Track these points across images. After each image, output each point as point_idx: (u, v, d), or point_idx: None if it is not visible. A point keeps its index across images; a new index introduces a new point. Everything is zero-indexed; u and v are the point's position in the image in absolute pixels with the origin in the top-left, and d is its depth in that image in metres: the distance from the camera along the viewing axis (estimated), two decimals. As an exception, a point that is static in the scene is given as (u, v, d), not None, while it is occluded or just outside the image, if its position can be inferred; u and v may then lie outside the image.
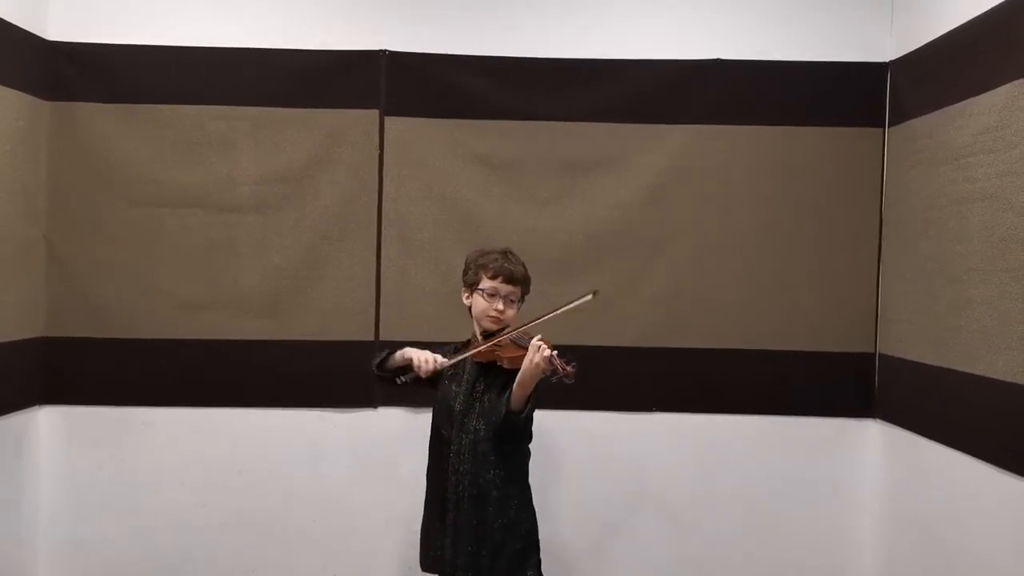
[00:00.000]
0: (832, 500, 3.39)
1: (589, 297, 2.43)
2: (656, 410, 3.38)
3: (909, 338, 3.11)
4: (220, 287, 3.31)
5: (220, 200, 3.30)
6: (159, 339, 3.30)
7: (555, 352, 2.32)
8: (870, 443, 3.36)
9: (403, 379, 2.55)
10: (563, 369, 2.31)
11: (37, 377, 3.26)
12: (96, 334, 3.29)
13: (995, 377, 2.58)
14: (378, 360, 2.65)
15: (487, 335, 2.54)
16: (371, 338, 3.32)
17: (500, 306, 2.52)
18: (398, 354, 2.58)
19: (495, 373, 2.50)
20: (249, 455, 3.36)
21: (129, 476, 3.34)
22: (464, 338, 2.66)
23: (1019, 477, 2.47)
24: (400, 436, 3.33)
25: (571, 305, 2.44)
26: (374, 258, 3.34)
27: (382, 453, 3.36)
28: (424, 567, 2.63)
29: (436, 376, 2.59)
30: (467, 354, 2.52)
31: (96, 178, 3.28)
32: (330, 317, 3.33)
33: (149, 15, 3.30)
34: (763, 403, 3.36)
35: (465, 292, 2.62)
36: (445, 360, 2.51)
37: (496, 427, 2.45)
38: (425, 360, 2.49)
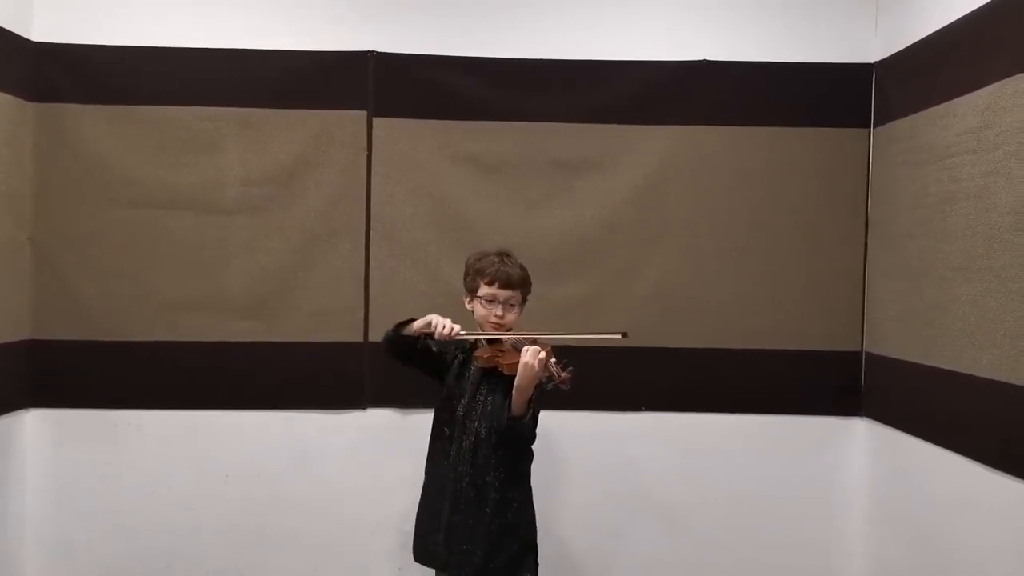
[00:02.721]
0: (819, 497, 3.41)
1: (617, 337, 2.45)
2: (645, 409, 3.40)
3: (895, 337, 3.13)
4: (208, 289, 3.30)
5: (207, 201, 3.29)
6: (147, 341, 3.29)
7: (553, 360, 2.32)
8: (856, 441, 3.38)
9: (430, 342, 2.54)
10: (558, 375, 2.31)
11: (24, 380, 3.24)
12: (83, 336, 3.28)
13: (979, 375, 2.61)
14: (395, 325, 2.57)
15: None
16: (360, 339, 3.32)
17: (499, 311, 2.53)
18: (418, 322, 2.53)
19: (498, 377, 2.51)
20: (238, 457, 3.35)
21: (117, 479, 3.33)
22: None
23: (1004, 474, 2.50)
24: (389, 437, 3.33)
25: (594, 336, 2.47)
26: (363, 259, 3.33)
27: (371, 454, 3.36)
28: (417, 558, 2.63)
29: (442, 366, 2.60)
30: (482, 335, 2.53)
31: (83, 180, 3.26)
32: (319, 318, 3.32)
33: (135, 16, 3.28)
34: (750, 402, 3.38)
35: (466, 297, 2.62)
36: (462, 332, 2.48)
37: (500, 433, 2.45)
38: (443, 325, 2.45)
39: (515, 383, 2.36)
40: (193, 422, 3.33)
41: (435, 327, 2.46)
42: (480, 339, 2.56)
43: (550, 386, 2.34)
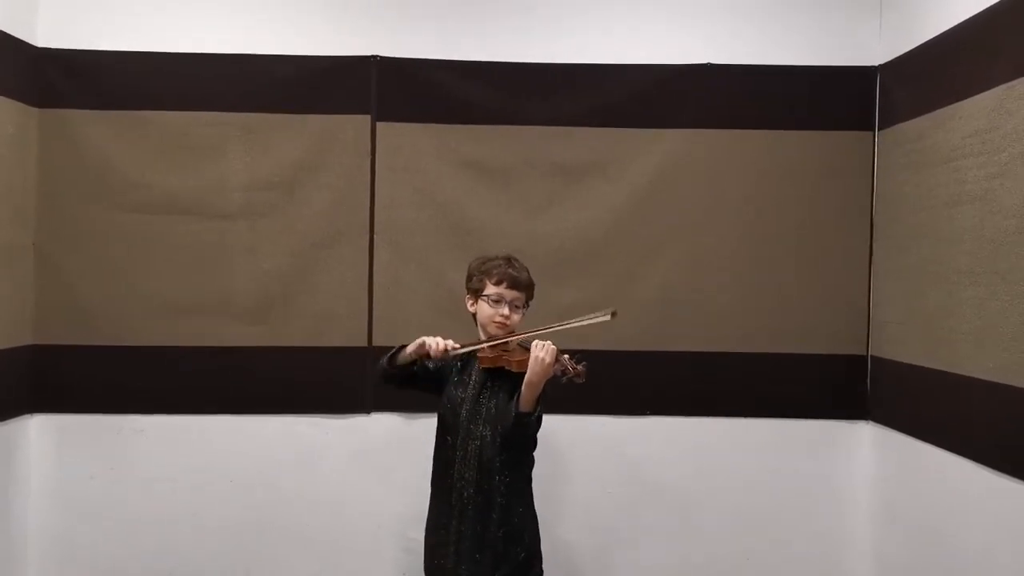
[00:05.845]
0: (825, 502, 3.39)
1: (607, 318, 2.41)
2: (649, 413, 3.39)
3: (901, 340, 3.12)
4: (211, 293, 3.30)
5: (210, 206, 3.29)
6: (149, 346, 3.28)
7: (566, 355, 2.33)
8: (862, 445, 3.37)
9: (427, 363, 2.54)
10: (573, 368, 2.31)
11: (27, 385, 3.24)
12: (86, 341, 3.27)
13: (986, 378, 2.59)
14: (388, 356, 2.59)
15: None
16: (364, 344, 3.31)
17: (506, 311, 2.52)
18: (410, 347, 2.55)
19: (501, 379, 2.50)
20: (241, 462, 3.34)
21: (120, 484, 3.32)
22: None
23: (1010, 478, 2.48)
24: (394, 442, 3.32)
25: (586, 321, 2.44)
26: (366, 263, 3.33)
27: (376, 459, 3.35)
28: (428, 574, 2.61)
29: (442, 379, 2.59)
30: (477, 346, 2.51)
31: (86, 185, 3.27)
32: (322, 323, 3.32)
33: (138, 21, 3.28)
34: (756, 406, 3.37)
35: (469, 299, 2.62)
36: (456, 346, 2.49)
37: (506, 431, 2.43)
38: (436, 342, 2.47)
39: (526, 378, 2.35)
40: (196, 426, 3.33)
41: (429, 347, 2.47)
42: (481, 350, 2.54)
43: (564, 380, 2.34)
